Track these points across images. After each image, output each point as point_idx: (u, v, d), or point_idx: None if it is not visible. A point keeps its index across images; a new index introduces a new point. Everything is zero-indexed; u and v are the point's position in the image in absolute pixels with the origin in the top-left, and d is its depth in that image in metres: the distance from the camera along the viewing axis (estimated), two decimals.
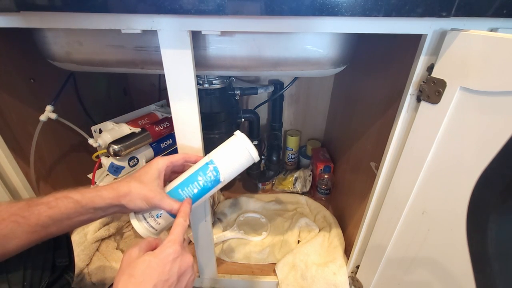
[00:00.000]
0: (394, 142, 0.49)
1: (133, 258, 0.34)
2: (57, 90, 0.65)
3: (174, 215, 0.42)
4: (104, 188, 0.40)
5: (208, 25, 0.39)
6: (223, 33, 0.42)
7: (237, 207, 0.96)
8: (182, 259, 0.36)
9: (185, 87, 0.44)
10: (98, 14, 0.38)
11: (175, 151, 0.78)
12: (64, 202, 0.37)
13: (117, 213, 0.43)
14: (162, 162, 0.42)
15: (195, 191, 0.43)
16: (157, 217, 0.43)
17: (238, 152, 0.43)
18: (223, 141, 0.78)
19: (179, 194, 0.42)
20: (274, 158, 0.97)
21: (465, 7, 0.35)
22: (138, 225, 0.43)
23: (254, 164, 0.96)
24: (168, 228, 0.44)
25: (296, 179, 1.03)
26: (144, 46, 0.48)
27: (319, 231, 0.84)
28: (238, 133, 0.45)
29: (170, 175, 0.47)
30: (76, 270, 0.69)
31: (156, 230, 0.43)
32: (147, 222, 0.43)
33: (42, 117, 0.60)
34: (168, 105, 0.62)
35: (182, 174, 0.45)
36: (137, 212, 0.43)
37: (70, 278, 0.49)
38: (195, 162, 0.45)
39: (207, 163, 0.43)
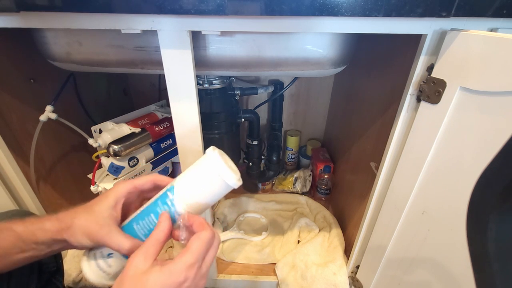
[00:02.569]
0: (394, 142, 0.49)
1: (138, 272, 0.28)
2: (57, 90, 0.65)
3: (127, 257, 0.32)
4: (49, 219, 0.33)
5: (208, 25, 0.39)
6: (223, 33, 0.42)
7: (237, 207, 0.96)
8: (197, 285, 0.30)
9: (185, 87, 0.44)
10: (98, 14, 0.38)
11: (175, 151, 0.78)
12: (5, 234, 0.32)
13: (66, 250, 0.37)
14: (122, 188, 0.34)
15: (152, 226, 0.33)
16: (108, 257, 0.33)
17: (208, 178, 0.34)
18: (223, 141, 0.76)
19: (133, 229, 0.33)
20: (274, 158, 0.97)
21: (465, 7, 0.35)
22: (87, 265, 0.33)
23: (254, 164, 0.95)
24: None
25: (296, 179, 1.02)
26: (144, 46, 0.48)
27: (319, 231, 0.84)
28: (209, 152, 0.34)
29: (141, 202, 0.38)
30: (77, 271, 0.69)
31: (109, 274, 0.34)
32: (97, 264, 0.33)
33: (42, 117, 0.60)
34: (168, 105, 0.62)
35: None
36: (91, 249, 0.34)
37: (59, 283, 0.48)
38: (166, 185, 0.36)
39: (167, 191, 0.34)
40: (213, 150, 0.34)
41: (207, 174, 0.34)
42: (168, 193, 0.34)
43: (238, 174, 0.35)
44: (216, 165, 0.33)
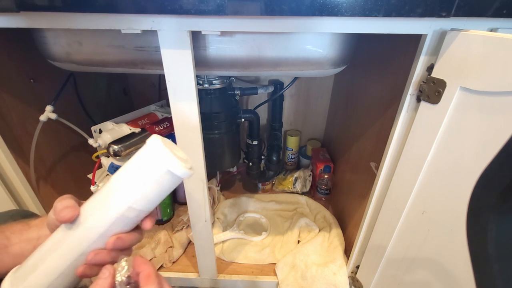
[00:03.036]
0: (394, 142, 0.49)
1: None
2: (57, 90, 0.65)
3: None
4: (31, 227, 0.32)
5: (208, 25, 0.39)
6: (223, 33, 0.42)
7: (237, 207, 0.96)
8: None
9: (185, 87, 0.44)
10: (98, 14, 0.38)
11: None
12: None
13: None
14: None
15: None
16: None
17: (148, 170, 0.28)
18: (223, 141, 0.76)
19: None
20: (274, 158, 0.97)
21: (465, 7, 0.35)
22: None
23: (254, 164, 0.95)
24: None
25: (296, 179, 1.02)
26: (144, 46, 0.48)
27: (319, 231, 0.84)
28: (151, 140, 0.29)
29: None
30: None
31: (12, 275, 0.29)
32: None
33: (42, 117, 0.60)
34: (168, 105, 0.62)
35: None
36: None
37: None
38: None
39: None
40: (155, 138, 0.29)
41: (148, 165, 0.28)
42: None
43: (189, 162, 0.29)
44: (159, 153, 0.27)
